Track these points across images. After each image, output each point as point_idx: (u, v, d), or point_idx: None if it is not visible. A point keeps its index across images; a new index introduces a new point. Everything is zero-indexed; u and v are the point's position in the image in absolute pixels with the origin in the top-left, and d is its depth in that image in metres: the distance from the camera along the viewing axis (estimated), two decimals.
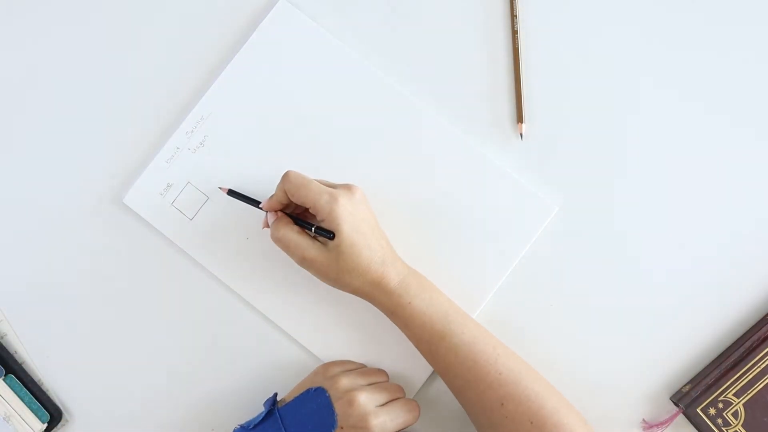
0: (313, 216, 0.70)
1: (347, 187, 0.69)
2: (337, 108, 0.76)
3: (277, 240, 0.69)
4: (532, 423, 0.65)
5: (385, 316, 0.70)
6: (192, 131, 0.76)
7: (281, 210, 0.71)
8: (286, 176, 0.69)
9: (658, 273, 0.74)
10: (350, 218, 0.67)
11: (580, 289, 0.75)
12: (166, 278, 0.76)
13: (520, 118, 0.75)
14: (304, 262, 0.69)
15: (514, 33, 0.75)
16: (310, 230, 0.69)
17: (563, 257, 0.75)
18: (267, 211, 0.71)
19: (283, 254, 0.74)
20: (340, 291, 0.70)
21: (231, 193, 0.74)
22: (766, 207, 0.75)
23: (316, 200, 0.67)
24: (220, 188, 0.75)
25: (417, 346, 0.70)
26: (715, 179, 0.75)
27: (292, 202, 0.70)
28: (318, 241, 0.69)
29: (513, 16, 0.76)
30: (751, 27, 0.75)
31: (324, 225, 0.68)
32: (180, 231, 0.76)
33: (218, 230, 0.76)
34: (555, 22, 0.76)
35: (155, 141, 0.76)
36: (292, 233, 0.69)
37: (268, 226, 0.71)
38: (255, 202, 0.72)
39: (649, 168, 0.75)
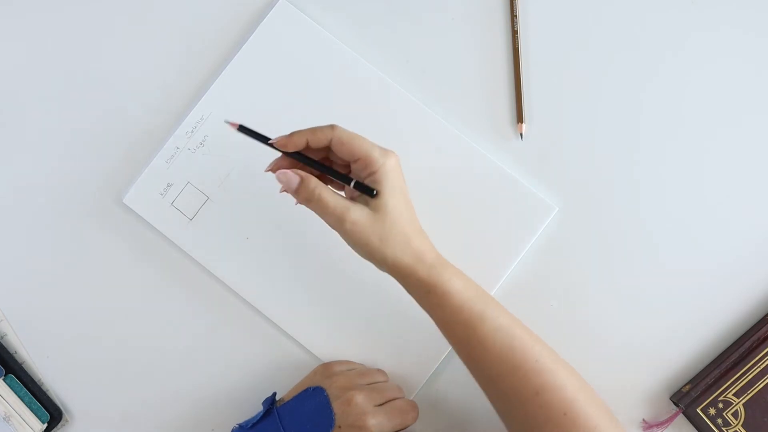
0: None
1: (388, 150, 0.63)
2: (337, 108, 0.76)
3: (309, 200, 0.62)
4: (565, 414, 0.61)
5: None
6: (192, 131, 0.76)
7: (296, 158, 0.63)
8: (333, 127, 0.61)
9: (658, 273, 0.74)
10: (400, 179, 0.62)
11: (580, 289, 0.75)
12: (166, 278, 0.76)
13: (520, 118, 0.75)
14: (343, 225, 0.61)
15: (514, 33, 0.75)
16: (348, 184, 0.62)
17: (563, 257, 0.75)
18: (283, 151, 0.63)
19: (282, 255, 0.74)
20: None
21: (242, 129, 0.63)
22: (766, 207, 0.75)
23: (370, 152, 0.61)
24: (227, 122, 0.63)
25: (449, 331, 0.64)
26: (715, 180, 0.75)
27: (320, 155, 0.63)
28: (358, 202, 0.62)
29: (513, 16, 0.76)
30: (749, 29, 0.75)
31: (368, 181, 0.61)
32: (180, 231, 0.76)
33: (218, 230, 0.76)
34: (555, 22, 0.76)
35: (155, 141, 0.76)
36: (328, 192, 0.61)
37: (273, 169, 0.63)
38: (267, 139, 0.63)
39: (650, 168, 0.75)
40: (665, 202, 0.75)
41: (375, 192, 0.61)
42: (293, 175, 0.62)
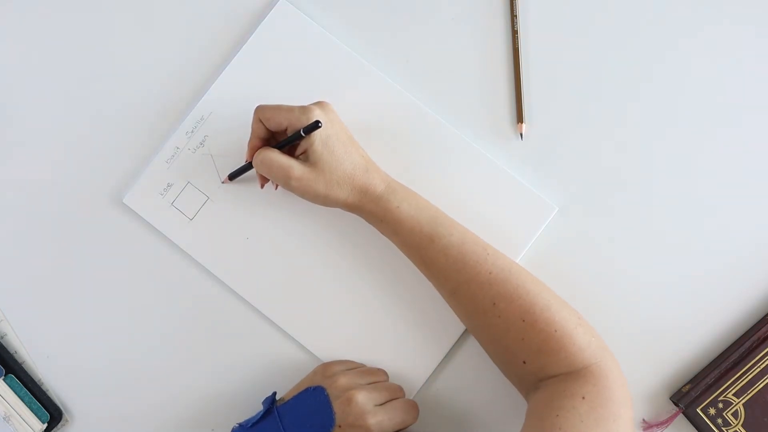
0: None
1: (317, 102, 0.70)
2: (337, 108, 0.75)
3: (260, 163, 0.69)
4: (524, 321, 0.66)
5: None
6: (192, 131, 0.76)
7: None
8: (258, 108, 0.69)
9: (657, 273, 0.74)
10: (329, 128, 0.68)
11: (580, 289, 0.75)
12: (165, 278, 0.76)
13: (520, 118, 0.75)
14: (290, 181, 0.68)
15: (514, 33, 0.75)
16: (300, 137, 0.68)
17: (563, 257, 0.75)
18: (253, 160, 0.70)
19: (282, 255, 0.74)
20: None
21: (232, 176, 0.74)
22: (766, 207, 0.75)
23: (290, 117, 0.68)
24: (223, 182, 0.76)
25: (408, 254, 0.70)
26: (715, 180, 0.75)
27: (269, 135, 0.70)
28: (299, 159, 0.69)
29: (513, 16, 0.76)
30: (749, 28, 0.75)
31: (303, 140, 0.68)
32: (180, 231, 0.76)
33: (218, 230, 0.76)
34: (555, 23, 0.76)
35: (155, 141, 0.77)
36: (274, 154, 0.69)
37: (265, 181, 0.73)
38: (250, 165, 0.72)
39: (649, 168, 0.75)
40: (665, 201, 0.75)
41: (318, 122, 0.67)
42: (255, 155, 0.70)
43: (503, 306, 0.66)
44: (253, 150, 0.71)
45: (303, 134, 0.67)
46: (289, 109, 0.68)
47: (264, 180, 0.73)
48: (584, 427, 0.61)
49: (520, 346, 0.66)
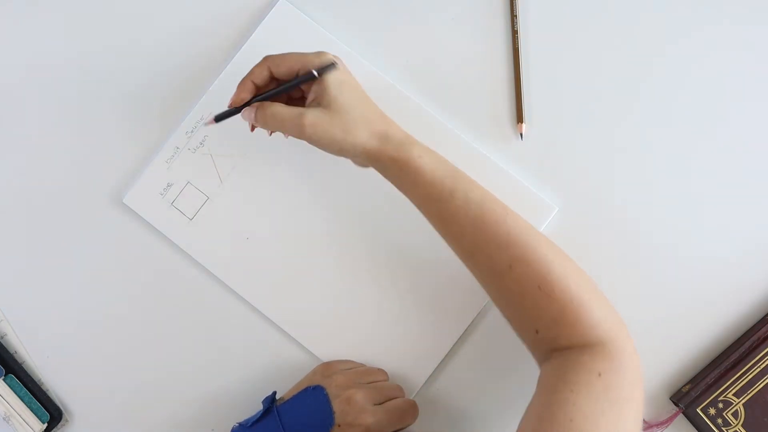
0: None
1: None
2: None
3: (269, 118, 0.66)
4: (540, 288, 0.63)
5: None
6: (192, 131, 0.76)
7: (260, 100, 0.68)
8: (267, 56, 0.66)
9: (657, 273, 0.74)
10: (343, 73, 0.66)
11: None
12: (165, 278, 0.76)
13: (520, 118, 0.75)
14: (305, 129, 0.64)
15: (514, 33, 0.75)
16: (312, 77, 0.64)
17: None
18: (245, 102, 0.67)
19: (283, 254, 0.74)
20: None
21: (218, 118, 0.69)
22: (765, 207, 0.75)
23: (303, 60, 0.65)
24: (206, 125, 0.72)
25: (425, 208, 0.66)
26: (715, 180, 0.75)
27: (265, 83, 0.67)
28: (310, 106, 0.66)
29: (513, 16, 0.76)
30: (749, 28, 0.75)
31: (314, 85, 0.65)
32: (180, 231, 0.76)
33: (218, 230, 0.76)
34: (555, 23, 0.76)
35: (155, 141, 0.77)
36: (281, 107, 0.65)
37: (255, 124, 0.68)
38: (239, 108, 0.68)
39: (649, 168, 0.75)
40: (665, 202, 0.75)
41: (334, 63, 0.64)
42: (250, 109, 0.67)
43: (520, 270, 0.63)
44: (249, 90, 0.67)
45: (316, 75, 0.64)
46: (301, 53, 0.66)
47: (251, 122, 0.69)
48: (600, 407, 0.59)
49: (535, 315, 0.63)
